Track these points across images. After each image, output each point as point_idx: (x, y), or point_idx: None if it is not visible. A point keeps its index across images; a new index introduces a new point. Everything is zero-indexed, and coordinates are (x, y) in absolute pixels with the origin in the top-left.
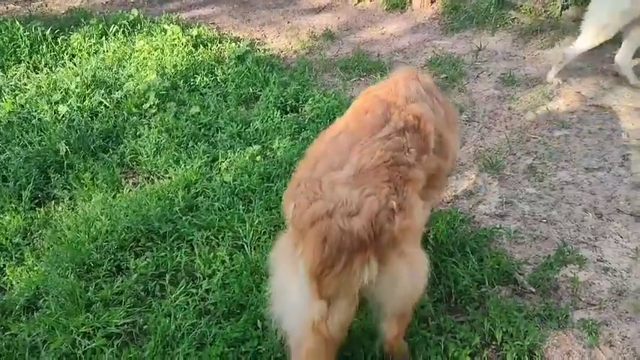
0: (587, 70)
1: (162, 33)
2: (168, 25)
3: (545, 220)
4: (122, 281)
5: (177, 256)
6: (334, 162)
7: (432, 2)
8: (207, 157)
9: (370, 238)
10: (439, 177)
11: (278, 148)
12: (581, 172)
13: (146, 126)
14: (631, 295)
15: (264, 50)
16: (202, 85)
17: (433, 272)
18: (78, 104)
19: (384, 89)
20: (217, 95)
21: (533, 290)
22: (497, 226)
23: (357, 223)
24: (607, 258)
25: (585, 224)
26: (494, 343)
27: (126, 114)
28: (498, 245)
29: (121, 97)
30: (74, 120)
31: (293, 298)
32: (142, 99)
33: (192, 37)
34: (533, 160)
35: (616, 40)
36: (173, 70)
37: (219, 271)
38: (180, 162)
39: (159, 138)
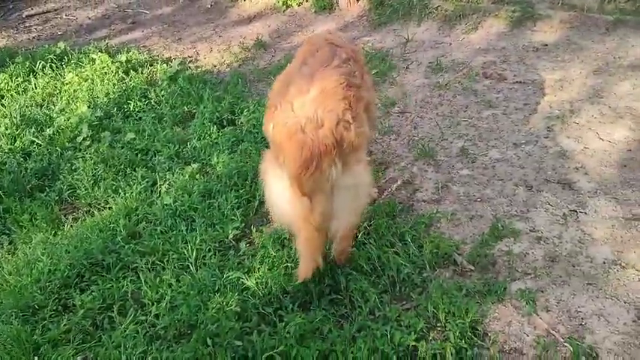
0: (509, 49)
1: (91, 63)
2: (96, 54)
3: (479, 199)
4: (69, 319)
5: (123, 285)
6: (302, 88)
7: (357, 0)
8: (147, 182)
9: (333, 144)
10: (370, 108)
11: (217, 163)
12: (510, 148)
13: (81, 159)
14: (563, 259)
15: (197, 67)
16: (137, 109)
17: (376, 265)
18: (9, 146)
19: (321, 37)
20: (152, 118)
21: (472, 268)
22: (435, 211)
23: (323, 133)
24: (539, 227)
25: (517, 198)
26: (438, 324)
27: (59, 150)
28: (437, 229)
29: (53, 133)
30: (5, 163)
31: (283, 197)
32: (75, 132)
33: (121, 63)
34: (465, 142)
35: (534, 19)
36: (106, 99)
37: (166, 294)
38: (120, 190)
39: (95, 169)
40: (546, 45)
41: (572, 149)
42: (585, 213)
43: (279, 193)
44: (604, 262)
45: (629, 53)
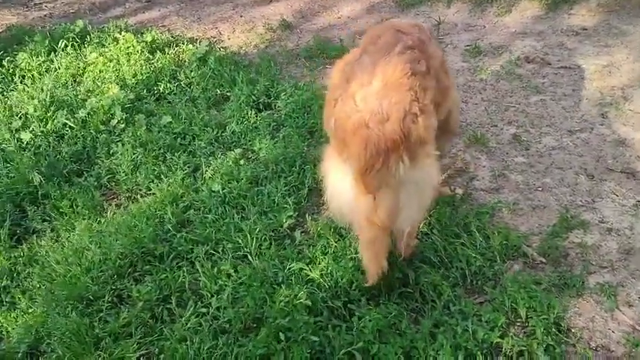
0: (548, 33)
1: (115, 42)
2: (119, 33)
3: (540, 188)
4: (128, 311)
5: (179, 276)
6: (363, 79)
7: None
8: (189, 167)
9: (401, 138)
10: (438, 111)
11: (260, 149)
12: (565, 135)
13: (118, 143)
14: (638, 252)
15: (224, 48)
16: (167, 92)
17: (443, 256)
18: (41, 129)
19: (388, 24)
20: (185, 101)
21: (544, 261)
22: (496, 200)
23: (389, 128)
24: (608, 218)
25: (580, 187)
26: (519, 320)
27: (94, 133)
28: (500, 220)
29: (86, 116)
30: (40, 146)
31: (346, 196)
32: (108, 115)
33: (146, 43)
34: (516, 129)
35: (570, 2)
36: (134, 81)
37: (226, 286)
38: (162, 176)
39: (134, 154)
40: (586, 29)
41: (631, 137)
42: None
43: (343, 191)
44: None
45: None
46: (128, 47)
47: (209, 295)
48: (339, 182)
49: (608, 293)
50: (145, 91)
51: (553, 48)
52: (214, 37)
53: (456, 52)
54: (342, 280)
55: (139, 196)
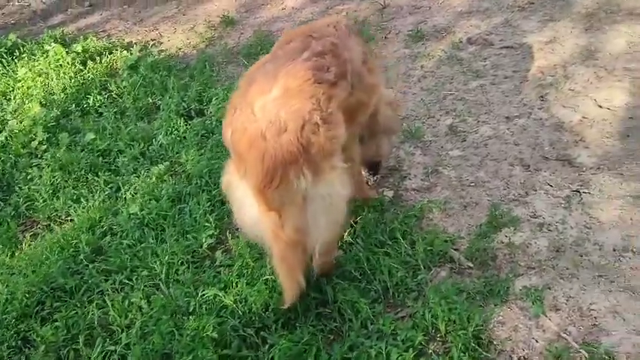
0: (493, 10)
1: (45, 55)
2: (50, 44)
3: (473, 184)
4: (28, 357)
5: (89, 311)
6: (264, 87)
7: None
8: (111, 187)
9: (299, 150)
10: (362, 111)
11: (187, 161)
12: (502, 122)
13: (36, 167)
14: (569, 249)
15: (161, 52)
16: (97, 104)
17: (366, 269)
18: None
19: (302, 28)
20: (114, 113)
21: (471, 265)
22: (425, 200)
23: (286, 139)
24: (540, 212)
25: (514, 179)
26: (439, 335)
27: (13, 157)
28: (430, 221)
29: (6, 139)
30: None
31: (251, 213)
32: (30, 136)
33: (77, 53)
34: (453, 119)
35: None
36: (62, 95)
37: (136, 319)
38: (82, 200)
39: (53, 177)
40: (532, 3)
41: (570, 120)
42: (589, 193)
43: (246, 208)
44: (614, 250)
45: (621, 5)
46: (58, 59)
47: (119, 331)
48: (243, 199)
49: (534, 298)
50: (73, 105)
51: (497, 27)
52: (154, 40)
53: (398, 38)
54: (256, 304)
55: (56, 224)
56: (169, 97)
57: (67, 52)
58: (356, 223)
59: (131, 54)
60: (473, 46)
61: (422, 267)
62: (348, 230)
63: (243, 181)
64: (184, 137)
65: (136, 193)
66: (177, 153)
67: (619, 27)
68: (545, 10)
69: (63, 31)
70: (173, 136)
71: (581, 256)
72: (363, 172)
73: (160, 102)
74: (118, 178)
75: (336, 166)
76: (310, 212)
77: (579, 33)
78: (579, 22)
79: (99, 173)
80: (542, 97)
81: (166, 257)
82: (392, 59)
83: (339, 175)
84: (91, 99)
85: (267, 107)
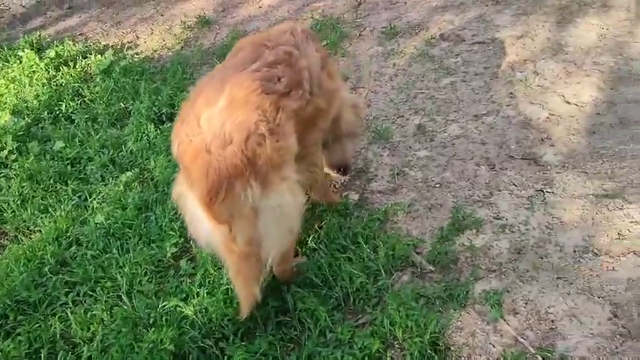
0: (468, 4)
1: (19, 62)
2: (23, 50)
3: (438, 185)
4: None
5: (52, 325)
6: (210, 98)
7: None
8: (79, 196)
9: (244, 163)
10: (322, 117)
11: (155, 168)
12: (470, 120)
13: (4, 178)
14: (530, 250)
15: (136, 54)
16: (70, 111)
17: (328, 275)
18: None
19: (256, 37)
20: (86, 120)
21: (433, 269)
22: (390, 203)
23: (230, 151)
24: (503, 214)
25: (479, 179)
26: (396, 342)
27: None
28: (394, 225)
29: None
30: None
31: (202, 225)
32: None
33: (51, 59)
34: (422, 118)
35: None
36: (35, 102)
37: (98, 332)
38: (50, 210)
39: (22, 187)
40: None
41: (537, 117)
42: (553, 192)
43: (198, 221)
44: (574, 251)
45: None
46: (31, 65)
47: (81, 344)
48: (194, 211)
49: (493, 302)
50: (45, 112)
51: (471, 22)
52: (130, 43)
53: (373, 35)
54: (216, 314)
55: (23, 235)
56: (140, 102)
57: (40, 57)
58: (320, 228)
59: (105, 58)
60: (445, 43)
61: (383, 272)
62: (312, 235)
63: (192, 193)
64: (154, 143)
65: (103, 202)
66: (146, 159)
67: (591, 19)
68: (520, 4)
69: (40, 35)
70: (143, 141)
71: (542, 257)
72: (330, 175)
73: (131, 107)
74: (86, 186)
75: (286, 177)
76: (261, 224)
77: (551, 26)
78: (552, 16)
79: (68, 182)
80: (511, 93)
81: (130, 268)
82: (365, 58)
83: (290, 185)
84: (64, 105)
85: (212, 119)
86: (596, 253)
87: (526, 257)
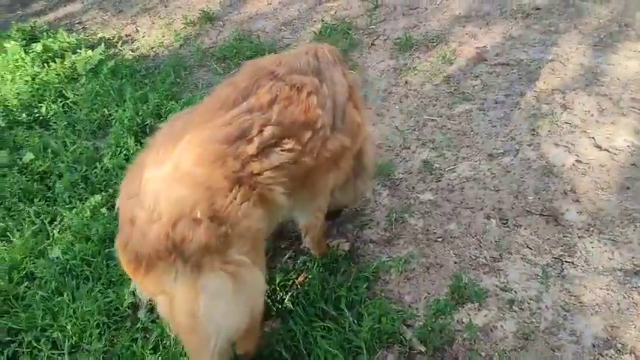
0: (494, 16)
1: (4, 54)
2: (9, 42)
3: (440, 239)
4: None
5: None
6: (161, 155)
7: None
8: (42, 220)
9: (168, 248)
10: (345, 157)
11: None
12: (484, 160)
13: None
14: (540, 337)
15: (131, 51)
16: (50, 114)
17: (301, 349)
18: None
19: (269, 59)
20: (65, 126)
21: (424, 349)
22: (383, 258)
23: (154, 232)
24: (512, 285)
25: (488, 236)
26: None
27: None
28: (385, 286)
29: None
30: None
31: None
32: None
33: (37, 53)
34: (429, 152)
35: None
36: (15, 102)
37: None
38: (8, 234)
39: None
40: (539, 9)
41: (561, 163)
42: (572, 263)
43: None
44: (594, 345)
45: (638, 19)
46: (16, 59)
47: None
48: None
49: None
50: (24, 114)
51: (495, 37)
52: (128, 36)
53: (385, 45)
54: None
55: None
56: (123, 110)
57: (26, 52)
58: (301, 285)
59: (94, 55)
60: (464, 60)
61: (365, 350)
62: (290, 293)
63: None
64: (132, 161)
65: (66, 230)
66: (121, 179)
67: (633, 45)
68: (552, 19)
69: (35, 22)
70: (120, 157)
71: (554, 350)
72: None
73: (115, 114)
74: (51, 208)
75: (231, 260)
76: (202, 304)
77: (586, 50)
78: (587, 37)
79: (33, 201)
80: (533, 130)
81: (81, 317)
82: (375, 73)
83: (237, 270)
84: (44, 108)
85: (150, 184)
86: (619, 350)
87: (535, 346)
